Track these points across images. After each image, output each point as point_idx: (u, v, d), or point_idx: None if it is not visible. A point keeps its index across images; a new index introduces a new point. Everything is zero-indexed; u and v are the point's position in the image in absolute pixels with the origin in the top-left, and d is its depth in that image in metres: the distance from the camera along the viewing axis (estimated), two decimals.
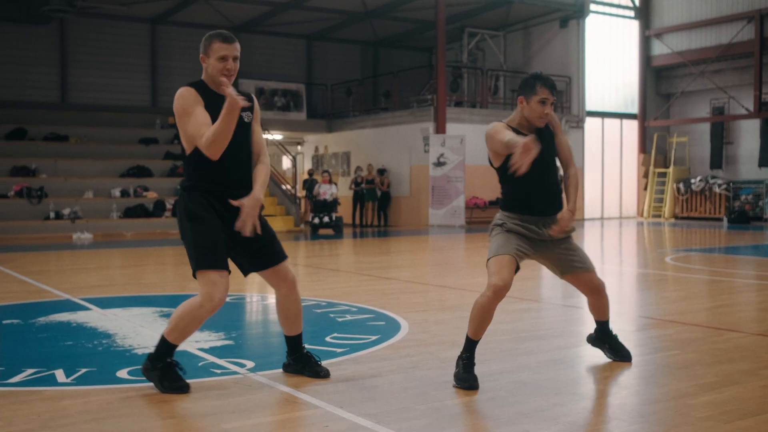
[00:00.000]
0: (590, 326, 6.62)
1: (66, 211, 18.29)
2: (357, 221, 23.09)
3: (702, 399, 4.13)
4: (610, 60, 26.49)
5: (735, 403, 4.05)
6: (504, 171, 4.59)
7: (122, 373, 4.74)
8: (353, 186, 23.05)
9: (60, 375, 4.69)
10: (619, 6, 26.54)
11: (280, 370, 4.80)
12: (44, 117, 21.85)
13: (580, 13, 24.80)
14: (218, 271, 4.22)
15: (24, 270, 10.72)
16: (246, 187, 4.36)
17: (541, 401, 4.11)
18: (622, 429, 3.67)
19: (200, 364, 4.95)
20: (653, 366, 5.02)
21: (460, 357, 4.50)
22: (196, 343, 5.58)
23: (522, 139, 4.07)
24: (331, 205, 19.61)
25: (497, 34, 26.34)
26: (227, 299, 7.91)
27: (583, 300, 8.16)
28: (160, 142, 21.79)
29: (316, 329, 6.30)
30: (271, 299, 8.41)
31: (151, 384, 4.35)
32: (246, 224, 4.24)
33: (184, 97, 4.26)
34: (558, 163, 4.81)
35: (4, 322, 6.57)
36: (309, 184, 23.08)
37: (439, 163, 21.47)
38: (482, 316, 4.45)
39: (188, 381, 4.36)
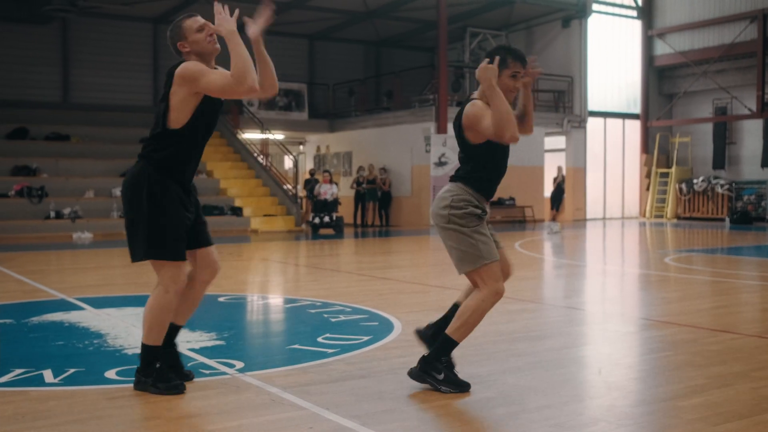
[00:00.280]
0: (588, 327, 6.61)
1: (66, 211, 18.28)
2: (358, 221, 23.07)
3: (692, 401, 4.10)
4: (612, 60, 26.42)
5: (725, 405, 4.01)
6: (481, 151, 4.38)
7: (110, 374, 4.71)
8: (354, 185, 23.02)
9: (48, 375, 4.67)
10: (621, 6, 26.47)
11: (270, 370, 4.77)
12: (46, 116, 21.87)
13: (583, 12, 24.74)
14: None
15: (22, 269, 10.71)
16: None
17: (529, 403, 4.08)
18: (608, 431, 3.63)
19: (189, 364, 4.91)
20: (645, 367, 4.99)
21: (439, 362, 4.29)
22: (187, 344, 5.55)
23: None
24: (332, 205, 19.58)
25: (499, 34, 26.29)
26: (222, 299, 7.93)
27: (581, 301, 8.15)
28: None
29: (309, 329, 6.29)
30: (271, 299, 8.39)
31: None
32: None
33: (196, 63, 4.21)
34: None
35: None
36: (310, 184, 23.05)
37: (440, 163, 21.44)
38: (479, 322, 4.35)
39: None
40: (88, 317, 6.79)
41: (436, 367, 4.29)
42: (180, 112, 4.23)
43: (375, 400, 4.14)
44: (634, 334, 6.11)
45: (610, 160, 26.85)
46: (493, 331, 6.08)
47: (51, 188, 18.85)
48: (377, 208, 23.36)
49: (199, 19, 4.32)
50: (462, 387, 4.28)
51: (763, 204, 23.82)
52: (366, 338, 5.80)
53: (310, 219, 19.67)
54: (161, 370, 4.31)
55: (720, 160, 25.43)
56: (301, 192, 22.60)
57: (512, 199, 23.67)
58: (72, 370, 4.79)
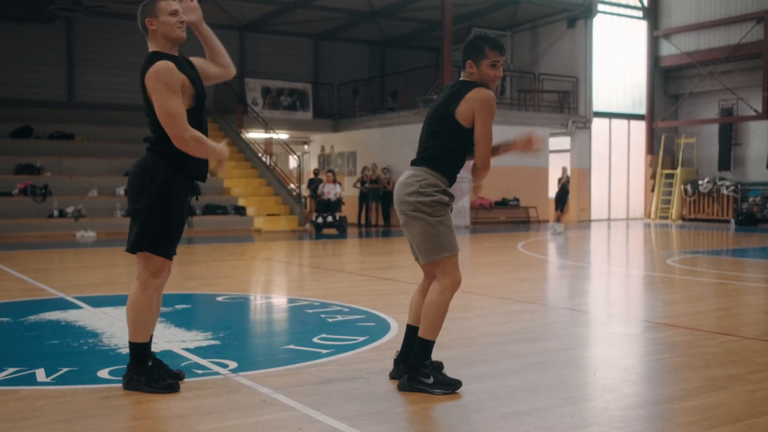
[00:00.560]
0: (586, 328, 6.56)
1: (70, 209, 18.30)
2: (363, 221, 23.04)
3: (686, 404, 4.06)
4: (617, 60, 26.33)
5: (719, 408, 3.98)
6: (466, 138, 4.35)
7: (103, 373, 4.70)
8: (358, 185, 22.99)
9: (40, 374, 4.66)
10: (627, 6, 26.37)
11: (263, 371, 4.75)
12: (50, 115, 21.89)
13: (588, 13, 24.66)
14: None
15: (23, 268, 10.72)
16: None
17: (521, 405, 4.05)
18: None
19: (183, 364, 4.90)
20: (641, 369, 4.95)
21: (423, 366, 4.26)
22: (182, 343, 5.55)
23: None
24: (335, 205, 19.55)
25: (504, 34, 26.22)
26: (220, 299, 7.92)
27: (581, 302, 8.10)
28: None
29: (305, 329, 6.27)
30: (270, 299, 8.37)
31: None
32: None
33: (171, 71, 4.15)
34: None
35: None
36: (314, 184, 23.03)
37: None
38: (446, 314, 4.32)
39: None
40: (85, 316, 6.78)
41: (423, 372, 4.26)
42: (164, 114, 4.21)
43: (366, 401, 4.11)
44: (633, 336, 6.06)
45: (615, 160, 26.76)
46: (491, 332, 6.06)
47: (54, 187, 18.87)
48: (381, 207, 23.32)
49: (174, 4, 4.29)
50: (453, 386, 4.25)
51: None
52: (361, 339, 5.77)
53: (314, 219, 19.66)
54: (153, 368, 4.30)
55: (725, 161, 25.32)
56: (305, 191, 22.57)
57: (516, 199, 23.62)
58: (65, 369, 4.78)
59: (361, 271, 10.96)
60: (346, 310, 7.15)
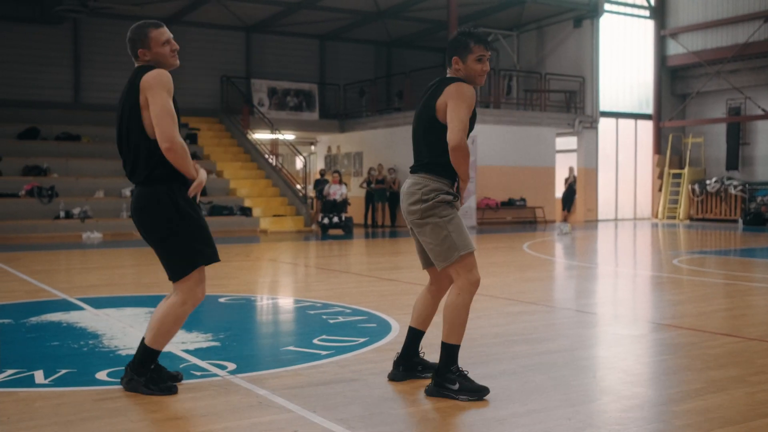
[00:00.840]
0: (588, 329, 6.52)
1: (76, 211, 18.35)
2: (369, 222, 23.02)
3: (685, 406, 4.03)
4: (624, 60, 26.26)
5: (718, 410, 3.94)
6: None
7: (102, 375, 4.70)
8: (364, 185, 22.99)
9: (39, 376, 4.66)
10: (633, 5, 26.30)
11: (261, 372, 4.74)
12: (57, 117, 21.98)
13: (594, 12, 24.60)
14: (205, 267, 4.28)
15: (27, 269, 10.75)
16: None
17: (518, 407, 4.02)
18: None
19: (181, 365, 4.90)
20: (641, 371, 4.92)
21: (450, 372, 4.18)
22: (181, 344, 5.54)
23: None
24: (341, 206, 19.56)
25: (510, 34, 26.20)
26: (223, 300, 7.91)
27: (584, 303, 8.07)
28: None
29: (306, 330, 6.26)
30: (272, 300, 8.37)
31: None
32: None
33: (170, 79, 4.14)
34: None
35: None
36: (320, 185, 23.03)
37: None
38: (467, 315, 4.26)
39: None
40: (86, 317, 6.79)
41: (449, 378, 4.20)
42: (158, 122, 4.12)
43: (363, 403, 4.10)
44: (634, 337, 6.03)
45: (622, 160, 26.68)
46: (491, 333, 6.03)
47: (61, 188, 18.93)
48: (387, 208, 23.30)
49: (166, 32, 4.29)
50: (479, 392, 4.16)
51: None
52: (362, 340, 5.75)
53: (320, 219, 19.66)
54: (154, 371, 4.29)
55: (733, 160, 25.21)
56: (311, 192, 22.58)
57: (523, 199, 23.56)
58: (63, 371, 4.78)
59: (365, 272, 10.94)
60: (348, 311, 7.14)
